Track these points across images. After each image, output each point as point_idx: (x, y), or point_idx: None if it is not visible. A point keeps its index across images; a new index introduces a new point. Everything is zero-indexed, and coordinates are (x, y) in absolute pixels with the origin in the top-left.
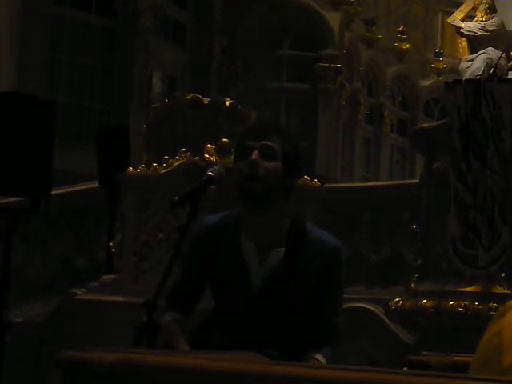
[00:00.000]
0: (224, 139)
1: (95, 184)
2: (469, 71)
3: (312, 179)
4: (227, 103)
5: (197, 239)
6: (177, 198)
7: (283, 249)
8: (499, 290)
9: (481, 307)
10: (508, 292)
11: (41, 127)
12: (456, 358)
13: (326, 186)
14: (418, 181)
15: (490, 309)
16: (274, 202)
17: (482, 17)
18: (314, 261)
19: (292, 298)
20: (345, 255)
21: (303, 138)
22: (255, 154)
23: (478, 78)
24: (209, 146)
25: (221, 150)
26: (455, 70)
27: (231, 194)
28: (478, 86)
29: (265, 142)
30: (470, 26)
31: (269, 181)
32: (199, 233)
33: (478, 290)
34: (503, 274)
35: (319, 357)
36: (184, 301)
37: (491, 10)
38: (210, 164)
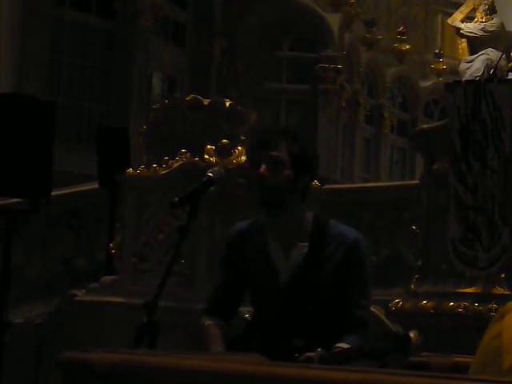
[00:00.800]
0: (224, 140)
1: (95, 185)
2: (469, 72)
3: None
4: (227, 104)
5: (229, 246)
6: (177, 198)
7: (307, 244)
8: (499, 290)
9: (481, 308)
10: (508, 293)
11: (41, 128)
12: (456, 359)
13: (326, 186)
14: (417, 182)
15: (490, 310)
16: (291, 204)
17: (481, 18)
18: (336, 253)
19: (316, 290)
20: (366, 248)
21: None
22: (263, 168)
23: (477, 78)
24: (209, 146)
25: (221, 151)
26: (455, 71)
27: (231, 194)
28: (478, 87)
29: (272, 153)
30: (469, 27)
31: (280, 189)
32: (231, 239)
33: (478, 290)
34: (503, 275)
35: (343, 345)
36: (223, 307)
37: (491, 10)
38: (209, 165)
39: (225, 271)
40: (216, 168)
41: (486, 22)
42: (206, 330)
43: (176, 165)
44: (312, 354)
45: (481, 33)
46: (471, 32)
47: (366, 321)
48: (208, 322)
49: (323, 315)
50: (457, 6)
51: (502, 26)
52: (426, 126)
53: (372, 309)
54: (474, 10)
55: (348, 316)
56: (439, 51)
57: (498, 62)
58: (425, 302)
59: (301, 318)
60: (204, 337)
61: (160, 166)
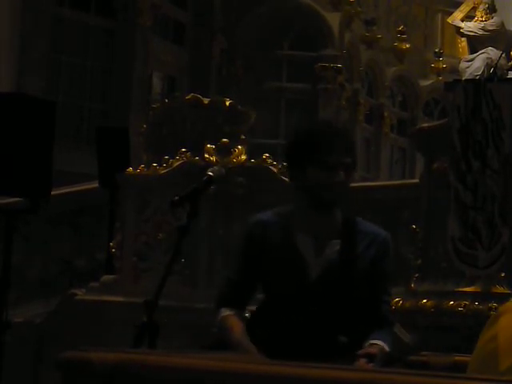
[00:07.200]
0: (224, 139)
1: (95, 184)
2: (469, 71)
3: None
4: (227, 103)
5: (250, 233)
6: (177, 197)
7: (338, 241)
8: (499, 289)
9: (481, 307)
10: (508, 292)
11: (41, 127)
12: (456, 358)
13: None
14: (417, 181)
15: (490, 309)
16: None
17: (481, 17)
18: (368, 251)
19: (349, 286)
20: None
21: None
22: (342, 177)
23: (477, 77)
24: (209, 146)
25: (221, 150)
26: (455, 70)
27: (231, 193)
28: (478, 86)
29: (347, 161)
30: (469, 26)
31: (344, 192)
32: (252, 227)
33: (478, 289)
34: (503, 274)
35: (378, 342)
36: (238, 297)
37: (491, 9)
38: (209, 164)
39: (243, 261)
40: (216, 167)
41: (485, 20)
42: (225, 320)
43: (176, 164)
44: (373, 350)
45: (481, 32)
46: (471, 31)
47: (391, 317)
48: (226, 312)
49: (353, 312)
50: (457, 5)
51: (502, 24)
52: (425, 125)
53: None
54: (474, 8)
55: (376, 312)
56: (439, 50)
57: (497, 60)
58: (425, 301)
59: (331, 314)
60: (225, 327)
61: (160, 165)
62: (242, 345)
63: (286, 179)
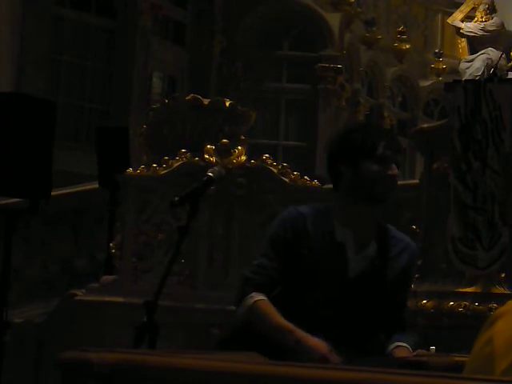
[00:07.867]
0: (224, 140)
1: (95, 185)
2: (469, 72)
3: (312, 180)
4: (227, 104)
5: (291, 225)
6: (177, 198)
7: (375, 242)
8: (499, 290)
9: (481, 307)
10: (508, 292)
11: (41, 127)
12: (456, 359)
13: (326, 186)
14: (417, 181)
15: (490, 309)
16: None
17: (481, 17)
18: (401, 257)
19: (382, 287)
20: None
21: (303, 138)
22: (396, 171)
23: (477, 78)
24: (209, 146)
25: (221, 151)
26: (455, 71)
27: (231, 194)
28: (478, 87)
29: (398, 159)
30: (469, 27)
31: (394, 187)
32: (293, 219)
33: (478, 290)
34: (503, 275)
35: (407, 345)
36: (269, 286)
37: (491, 10)
38: (209, 165)
39: (281, 251)
40: (216, 168)
41: (486, 21)
42: (260, 304)
43: (176, 164)
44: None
45: (481, 32)
46: (471, 31)
47: (410, 321)
48: (259, 297)
49: (382, 312)
50: (457, 6)
51: (502, 25)
52: (425, 125)
53: None
54: (474, 9)
55: (399, 316)
56: (439, 51)
57: (497, 61)
58: (425, 301)
59: (365, 312)
60: (261, 312)
61: (160, 165)
62: (287, 326)
63: (287, 179)
